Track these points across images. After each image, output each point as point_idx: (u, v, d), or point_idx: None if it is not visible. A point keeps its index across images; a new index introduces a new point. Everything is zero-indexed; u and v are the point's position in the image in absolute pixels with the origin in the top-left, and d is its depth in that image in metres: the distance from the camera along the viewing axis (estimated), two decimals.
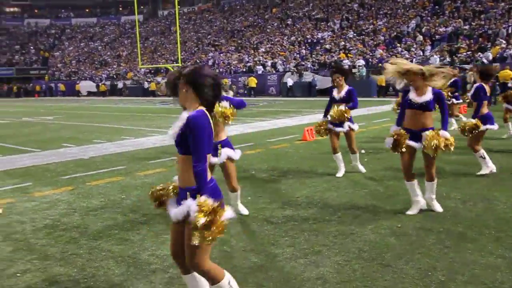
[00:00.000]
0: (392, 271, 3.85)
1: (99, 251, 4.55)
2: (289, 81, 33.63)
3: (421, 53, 29.94)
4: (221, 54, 45.58)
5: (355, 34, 36.91)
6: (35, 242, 4.86)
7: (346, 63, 31.74)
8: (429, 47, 30.19)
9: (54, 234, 5.08)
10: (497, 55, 25.25)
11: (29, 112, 26.98)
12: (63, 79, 57.29)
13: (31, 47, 67.44)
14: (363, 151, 9.51)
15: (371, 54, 32.55)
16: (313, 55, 36.39)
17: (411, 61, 29.08)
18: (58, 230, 5.23)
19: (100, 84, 49.25)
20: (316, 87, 32.19)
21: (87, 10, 76.56)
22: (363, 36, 35.96)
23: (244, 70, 39.76)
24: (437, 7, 34.78)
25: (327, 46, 36.82)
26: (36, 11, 75.87)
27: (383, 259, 4.11)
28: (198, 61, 46.11)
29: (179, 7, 45.50)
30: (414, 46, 30.98)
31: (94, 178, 7.92)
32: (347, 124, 7.38)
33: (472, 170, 7.33)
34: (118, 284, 3.81)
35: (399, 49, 31.33)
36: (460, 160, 8.12)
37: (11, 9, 75.41)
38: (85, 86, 50.84)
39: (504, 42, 26.22)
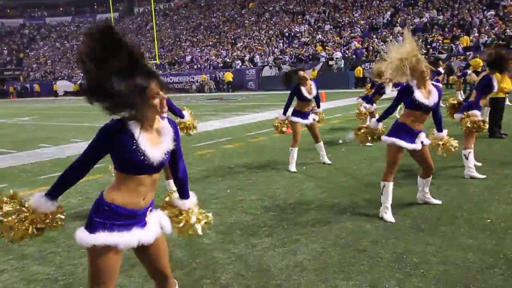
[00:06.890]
0: (368, 256, 3.93)
1: (77, 248, 4.52)
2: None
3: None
4: (199, 50, 45.32)
5: (331, 27, 37.11)
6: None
7: (323, 55, 31.96)
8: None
9: None
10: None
11: (3, 114, 26.46)
12: (39, 79, 56.40)
13: (4, 48, 66.16)
14: (340, 141, 9.70)
15: (347, 46, 32.78)
16: (291, 49, 36.50)
17: None
18: None
19: (76, 83, 48.61)
20: None
21: (61, 9, 75.33)
22: (339, 29, 36.19)
23: (222, 65, 39.67)
24: None
25: (304, 40, 36.97)
26: (8, 11, 74.35)
27: (359, 244, 4.19)
28: (176, 57, 45.83)
29: (154, 3, 45.05)
30: (390, 37, 31.32)
31: None
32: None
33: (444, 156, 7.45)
34: None
35: (376, 40, 31.67)
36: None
37: None
38: (61, 86, 50.10)
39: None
